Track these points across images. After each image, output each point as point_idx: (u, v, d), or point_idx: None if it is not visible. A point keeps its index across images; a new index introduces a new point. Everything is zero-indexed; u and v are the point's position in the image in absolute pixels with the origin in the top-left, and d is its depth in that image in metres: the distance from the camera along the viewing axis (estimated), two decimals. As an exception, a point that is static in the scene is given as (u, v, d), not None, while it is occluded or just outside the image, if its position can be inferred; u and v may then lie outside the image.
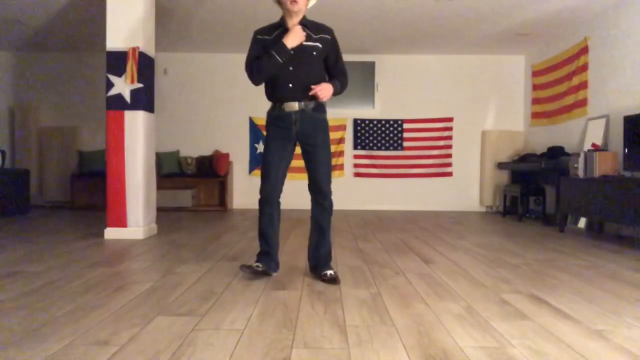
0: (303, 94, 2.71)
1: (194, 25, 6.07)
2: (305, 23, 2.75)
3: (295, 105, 2.72)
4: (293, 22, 2.74)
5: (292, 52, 2.67)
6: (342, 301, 2.35)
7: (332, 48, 2.81)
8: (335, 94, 2.77)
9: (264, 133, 7.30)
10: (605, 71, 5.27)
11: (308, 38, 2.72)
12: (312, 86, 2.66)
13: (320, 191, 2.80)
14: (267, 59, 2.67)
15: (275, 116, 2.77)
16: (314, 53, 2.73)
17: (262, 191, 2.78)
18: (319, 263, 2.86)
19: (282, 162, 2.77)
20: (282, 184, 2.81)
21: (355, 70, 7.41)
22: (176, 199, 7.06)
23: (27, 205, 6.54)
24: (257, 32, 2.83)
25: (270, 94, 2.82)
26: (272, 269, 2.84)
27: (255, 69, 2.72)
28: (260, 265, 2.78)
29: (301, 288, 2.60)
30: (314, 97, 2.69)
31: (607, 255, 3.71)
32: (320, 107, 2.81)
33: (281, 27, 2.76)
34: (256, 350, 1.71)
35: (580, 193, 4.69)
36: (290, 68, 2.70)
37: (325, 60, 2.82)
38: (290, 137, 2.76)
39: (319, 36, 2.77)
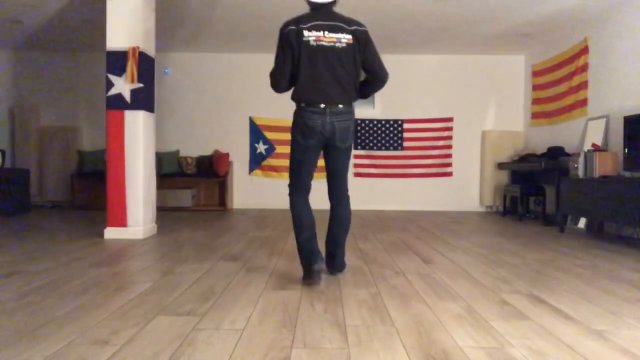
0: None
1: (194, 25, 6.07)
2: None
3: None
4: None
5: None
6: (342, 301, 2.35)
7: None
8: None
9: (264, 133, 7.37)
10: (605, 71, 5.27)
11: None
12: None
13: None
14: None
15: None
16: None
17: None
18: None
19: None
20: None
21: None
22: (176, 199, 7.06)
23: (27, 205, 6.54)
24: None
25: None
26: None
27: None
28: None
29: (301, 288, 2.60)
30: None
31: (607, 255, 3.70)
32: None
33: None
34: (256, 350, 1.71)
35: (580, 193, 4.69)
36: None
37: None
38: None
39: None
